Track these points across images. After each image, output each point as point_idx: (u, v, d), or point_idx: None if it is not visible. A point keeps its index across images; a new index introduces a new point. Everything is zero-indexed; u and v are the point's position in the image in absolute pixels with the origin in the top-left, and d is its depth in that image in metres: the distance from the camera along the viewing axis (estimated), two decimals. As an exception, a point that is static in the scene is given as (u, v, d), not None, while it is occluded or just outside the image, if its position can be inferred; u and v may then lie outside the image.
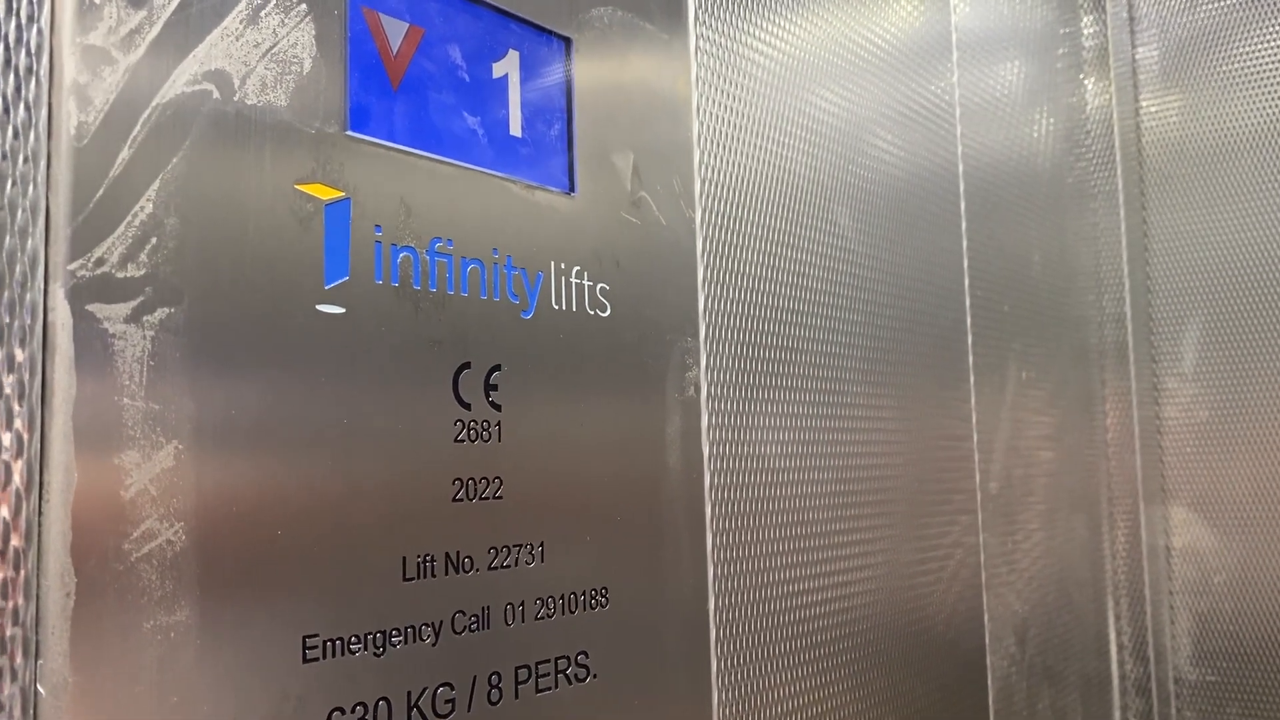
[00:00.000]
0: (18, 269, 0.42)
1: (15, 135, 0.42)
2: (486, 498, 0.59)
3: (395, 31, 0.56)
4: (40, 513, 0.42)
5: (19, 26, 0.42)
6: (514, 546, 0.61)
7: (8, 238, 0.41)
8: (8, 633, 0.40)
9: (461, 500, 0.58)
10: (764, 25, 0.88)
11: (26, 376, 0.41)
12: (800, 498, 0.87)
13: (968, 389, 1.16)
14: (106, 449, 0.44)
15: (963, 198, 1.18)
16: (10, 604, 0.41)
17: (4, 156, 0.42)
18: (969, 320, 1.17)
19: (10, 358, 0.41)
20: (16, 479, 0.41)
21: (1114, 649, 1.51)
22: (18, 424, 0.41)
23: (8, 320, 0.41)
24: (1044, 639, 1.29)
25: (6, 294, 0.41)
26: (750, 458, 0.81)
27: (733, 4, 0.84)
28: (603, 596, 0.66)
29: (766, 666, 0.81)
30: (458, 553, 0.57)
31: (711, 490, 0.76)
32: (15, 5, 0.42)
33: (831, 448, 0.91)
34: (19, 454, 0.41)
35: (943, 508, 1.09)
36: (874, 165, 1.02)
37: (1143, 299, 1.56)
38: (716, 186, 0.80)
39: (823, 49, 0.96)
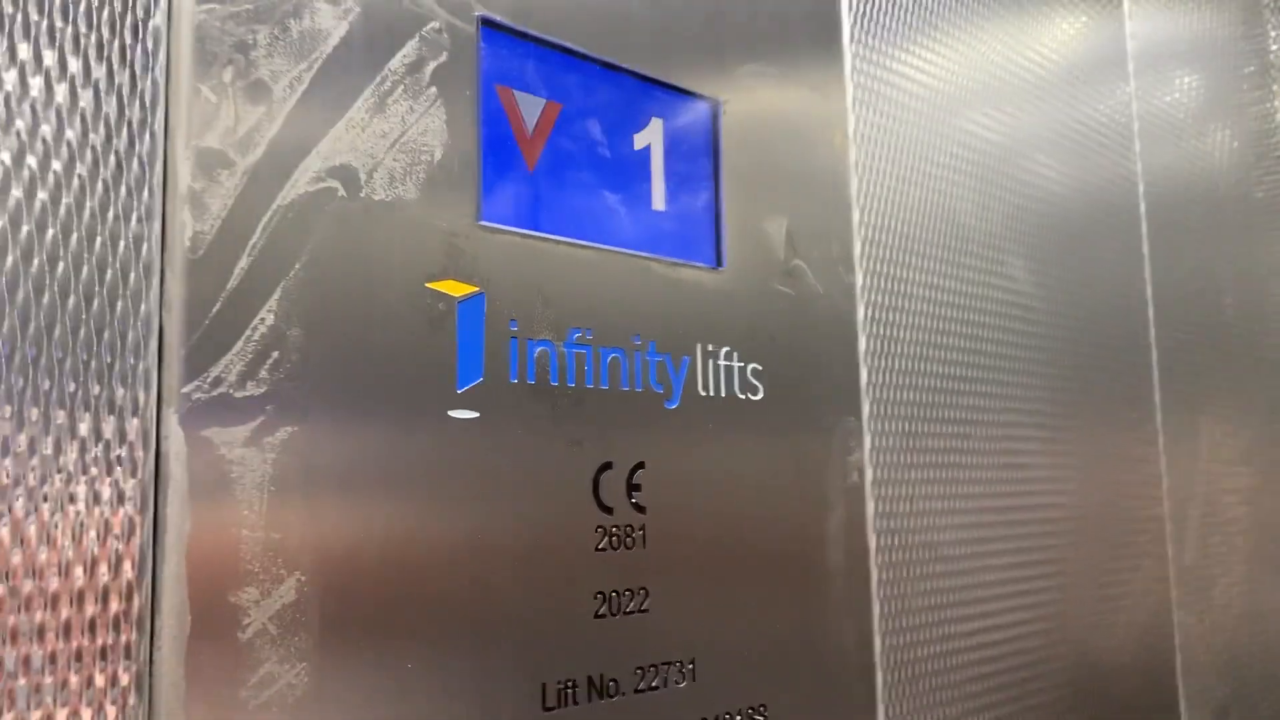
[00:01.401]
0: (127, 394, 0.39)
1: (127, 248, 0.39)
2: (631, 612, 0.54)
3: (531, 109, 0.51)
4: (151, 662, 0.38)
5: (131, 136, 0.39)
6: (662, 665, 0.55)
7: (118, 361, 0.38)
8: (116, 798, 0.37)
9: (604, 616, 0.53)
10: (923, 60, 0.80)
11: (135, 513, 0.38)
12: (976, 587, 0.78)
13: (1157, 452, 1.04)
14: (223, 587, 0.40)
15: (1145, 238, 1.07)
16: (119, 765, 0.37)
17: (117, 273, 0.39)
18: (1155, 375, 1.06)
19: (119, 493, 0.38)
20: (125, 633, 0.37)
21: (1328, 734, 1.34)
22: (126, 568, 0.38)
23: (117, 450, 0.38)
24: (1249, 726, 1.16)
25: (114, 421, 0.38)
26: (922, 547, 0.73)
27: (888, 46, 0.77)
28: (761, 717, 0.59)
29: (942, 781, 0.73)
30: (601, 675, 0.52)
31: (880, 587, 0.68)
32: (127, 112, 0.39)
33: (1009, 529, 0.83)
34: (127, 599, 0.38)
35: (1132, 586, 0.98)
36: (1047, 200, 0.93)
37: (1352, 337, 1.39)
38: (878, 247, 0.73)
39: (988, 76, 0.88)
